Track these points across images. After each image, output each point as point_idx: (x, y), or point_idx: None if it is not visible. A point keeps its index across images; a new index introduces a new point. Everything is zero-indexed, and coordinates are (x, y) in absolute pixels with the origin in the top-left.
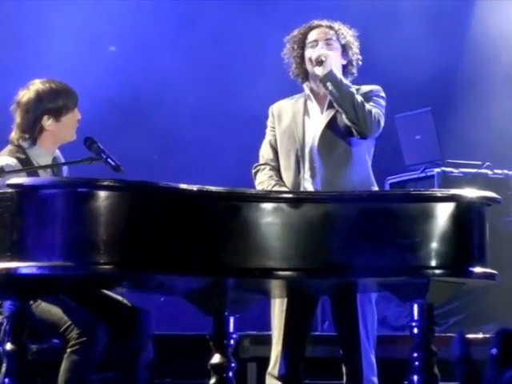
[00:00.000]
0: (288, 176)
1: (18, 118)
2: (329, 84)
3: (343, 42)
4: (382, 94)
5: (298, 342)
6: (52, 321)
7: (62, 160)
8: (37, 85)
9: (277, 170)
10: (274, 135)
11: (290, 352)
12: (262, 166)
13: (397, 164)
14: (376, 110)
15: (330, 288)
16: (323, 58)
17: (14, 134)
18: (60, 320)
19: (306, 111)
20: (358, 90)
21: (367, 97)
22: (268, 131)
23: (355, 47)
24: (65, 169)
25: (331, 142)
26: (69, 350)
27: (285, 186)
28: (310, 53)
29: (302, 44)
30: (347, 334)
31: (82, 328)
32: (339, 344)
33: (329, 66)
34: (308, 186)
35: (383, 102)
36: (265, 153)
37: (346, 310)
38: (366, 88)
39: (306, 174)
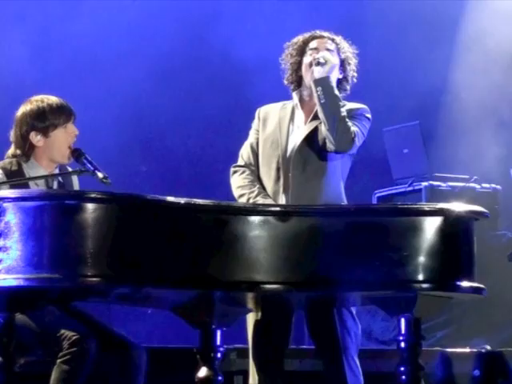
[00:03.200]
0: (268, 183)
1: (12, 134)
2: (319, 88)
3: (343, 56)
4: (368, 116)
5: (274, 355)
6: (41, 331)
7: (72, 180)
8: (28, 103)
9: (256, 174)
10: (257, 138)
11: (267, 366)
12: (242, 169)
13: (384, 177)
14: (356, 128)
15: (307, 301)
16: (322, 61)
17: (10, 150)
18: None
19: (292, 119)
20: (344, 105)
21: (352, 114)
22: (251, 133)
23: (353, 64)
24: (75, 184)
25: (308, 154)
26: (59, 361)
27: (267, 194)
28: (308, 59)
29: (301, 51)
30: (327, 347)
31: (73, 339)
32: (320, 357)
33: (327, 71)
34: (281, 196)
35: (366, 124)
36: (245, 155)
37: (324, 323)
38: (353, 105)
39: (283, 183)
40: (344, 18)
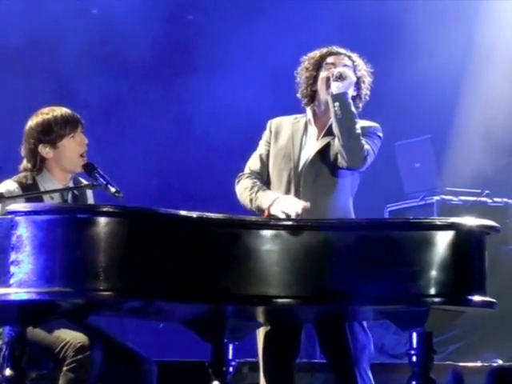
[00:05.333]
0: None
1: (22, 149)
2: (337, 104)
3: (358, 74)
4: (380, 134)
5: (284, 368)
6: (47, 342)
7: (86, 194)
8: (35, 116)
9: (262, 181)
10: (267, 150)
11: (278, 379)
12: (247, 175)
13: (396, 191)
14: (368, 147)
15: (318, 315)
16: (343, 75)
17: (22, 164)
18: (55, 340)
19: (305, 134)
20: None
21: (364, 132)
22: (261, 144)
23: (367, 82)
24: (90, 197)
25: (319, 169)
26: (65, 369)
27: (267, 189)
28: (325, 73)
29: (317, 66)
30: (339, 360)
31: (78, 346)
32: (332, 371)
33: (346, 86)
34: None
35: (378, 142)
36: (252, 165)
37: (336, 337)
38: (365, 123)
39: (293, 196)
40: (353, 31)
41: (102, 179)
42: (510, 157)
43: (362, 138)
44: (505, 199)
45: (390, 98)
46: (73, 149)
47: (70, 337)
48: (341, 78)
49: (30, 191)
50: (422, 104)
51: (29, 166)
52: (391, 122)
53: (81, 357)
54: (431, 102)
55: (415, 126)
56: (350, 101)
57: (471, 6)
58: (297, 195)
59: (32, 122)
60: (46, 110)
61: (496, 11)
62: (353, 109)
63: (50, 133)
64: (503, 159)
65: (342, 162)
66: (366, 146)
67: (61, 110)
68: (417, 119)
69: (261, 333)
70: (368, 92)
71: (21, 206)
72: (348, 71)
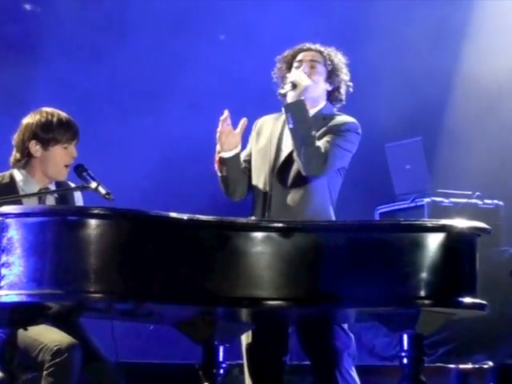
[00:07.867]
0: (257, 195)
1: (15, 138)
2: (288, 114)
3: (329, 68)
4: (355, 131)
5: (271, 368)
6: (25, 345)
7: (74, 196)
8: (38, 113)
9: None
10: (248, 151)
11: (265, 379)
12: None
13: (387, 193)
14: (328, 151)
15: (306, 317)
16: (295, 84)
17: (12, 156)
18: (33, 342)
19: (282, 133)
20: (333, 117)
21: (335, 129)
22: (248, 144)
23: (344, 74)
24: (78, 199)
25: (292, 170)
26: (44, 373)
27: None
28: (291, 73)
29: (290, 65)
30: (321, 363)
31: (55, 350)
32: (313, 373)
33: (299, 94)
34: (266, 211)
35: (354, 139)
36: None
37: (318, 339)
38: (340, 120)
39: (269, 196)
40: (346, 31)
41: (92, 181)
42: (499, 158)
43: (331, 138)
44: (495, 201)
45: (381, 100)
46: (61, 157)
47: (48, 339)
48: (293, 86)
49: (6, 190)
50: (412, 105)
51: (17, 156)
52: (382, 124)
53: (58, 360)
54: (422, 103)
55: (406, 128)
56: (304, 107)
57: (462, 5)
58: (270, 197)
59: (35, 117)
60: (49, 109)
61: (487, 15)
62: (307, 116)
63: (48, 133)
64: (493, 161)
65: (301, 170)
66: (324, 151)
67: (64, 115)
68: (407, 121)
69: (244, 334)
70: (349, 83)
71: (11, 208)
72: (300, 76)
